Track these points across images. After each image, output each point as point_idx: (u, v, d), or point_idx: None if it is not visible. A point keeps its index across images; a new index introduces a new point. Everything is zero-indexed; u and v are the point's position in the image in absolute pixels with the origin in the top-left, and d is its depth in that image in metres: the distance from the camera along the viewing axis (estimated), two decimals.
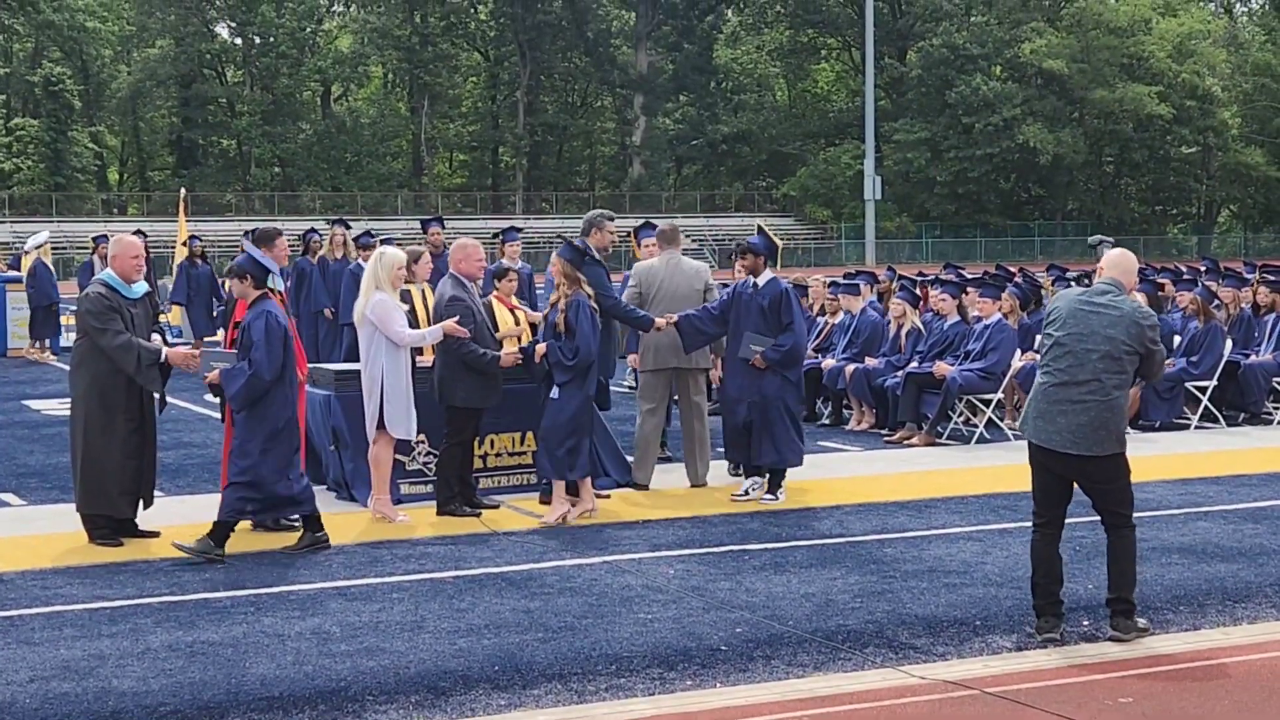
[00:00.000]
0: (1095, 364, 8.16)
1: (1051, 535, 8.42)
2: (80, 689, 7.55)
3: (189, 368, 11.07)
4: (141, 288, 11.09)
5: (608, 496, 12.52)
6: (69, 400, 11.29)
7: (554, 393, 11.48)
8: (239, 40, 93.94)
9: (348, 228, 22.05)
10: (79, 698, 7.42)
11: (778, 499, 12.45)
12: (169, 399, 11.29)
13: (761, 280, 12.52)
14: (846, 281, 18.85)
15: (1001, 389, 15.99)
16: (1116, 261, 8.51)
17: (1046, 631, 8.29)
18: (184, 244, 27.71)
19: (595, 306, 11.58)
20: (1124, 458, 8.34)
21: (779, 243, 13.20)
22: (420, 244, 17.41)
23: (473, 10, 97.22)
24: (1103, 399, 8.15)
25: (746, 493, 12.56)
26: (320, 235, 22.43)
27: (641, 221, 15.10)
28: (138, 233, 24.95)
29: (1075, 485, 8.45)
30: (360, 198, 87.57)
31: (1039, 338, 8.81)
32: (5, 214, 77.82)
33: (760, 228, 13.14)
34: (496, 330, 12.22)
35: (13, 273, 27.93)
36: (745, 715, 7.18)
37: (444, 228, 19.61)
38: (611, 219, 13.24)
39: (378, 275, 11.61)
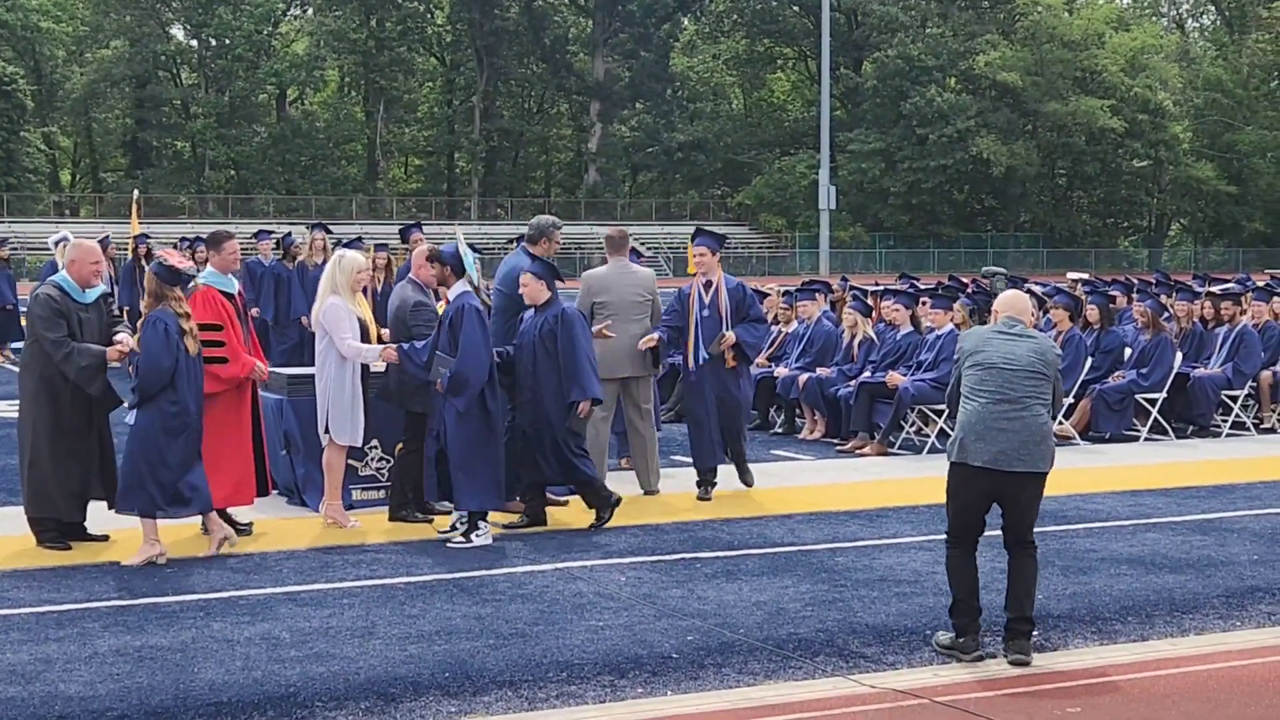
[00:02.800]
0: (1025, 384, 8.19)
1: (971, 552, 8.36)
2: (26, 693, 7.49)
3: (117, 359, 10.91)
4: (95, 292, 10.99)
5: (565, 503, 12.51)
6: (16, 401, 11.20)
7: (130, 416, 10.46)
8: (194, 42, 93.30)
9: (328, 232, 21.71)
10: (25, 702, 7.36)
11: (470, 540, 11.13)
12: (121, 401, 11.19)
13: (451, 294, 11.37)
14: (802, 289, 18.89)
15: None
16: (1011, 303, 8.60)
17: (974, 650, 8.18)
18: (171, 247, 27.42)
19: (186, 328, 10.40)
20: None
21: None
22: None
23: (429, 15, 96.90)
24: (1036, 416, 8.20)
25: (453, 528, 11.31)
26: (296, 239, 22.14)
27: (694, 229, 14.82)
28: (142, 236, 24.64)
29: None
30: (315, 201, 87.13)
31: (953, 369, 8.80)
32: None
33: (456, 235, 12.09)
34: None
35: None
36: None
37: (423, 233, 19.15)
38: (559, 227, 13.12)
39: (335, 279, 11.57)
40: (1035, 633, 8.52)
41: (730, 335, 13.11)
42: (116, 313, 12.22)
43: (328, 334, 11.41)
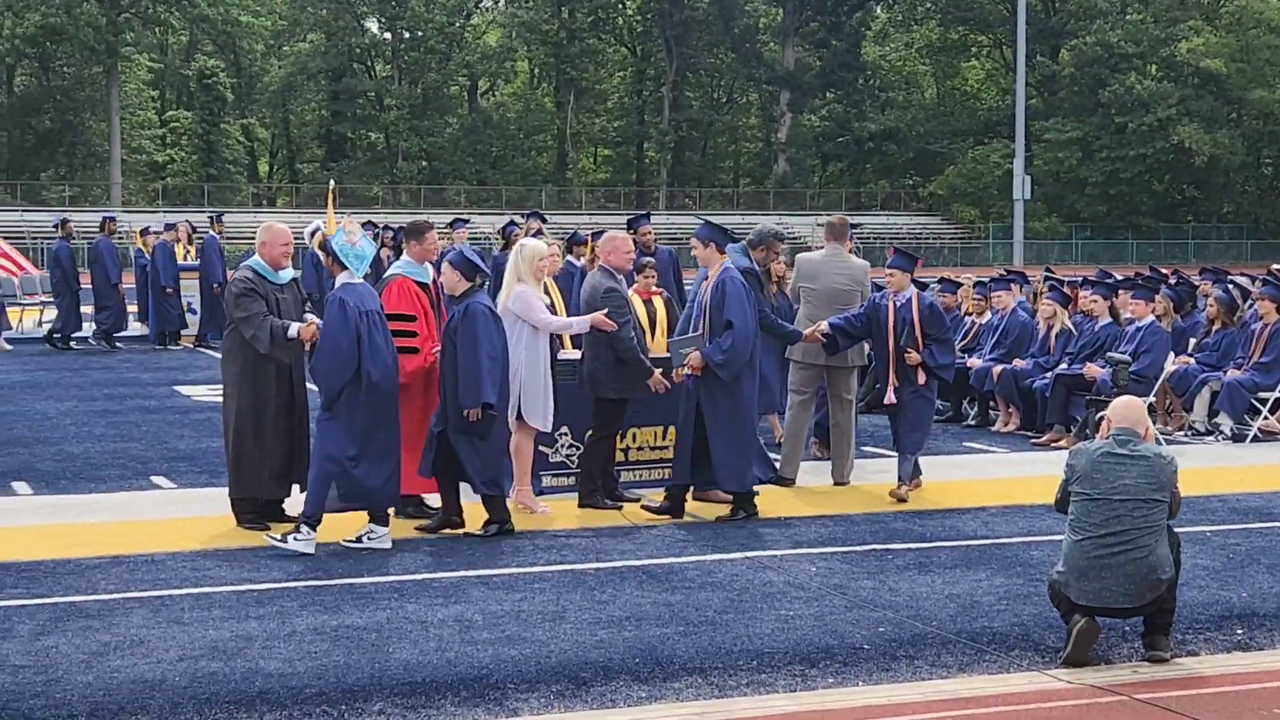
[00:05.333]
0: (1132, 515, 7.86)
1: None
2: (228, 669, 7.66)
3: (310, 338, 10.89)
4: (288, 274, 11.24)
5: (756, 493, 12.44)
6: (219, 386, 11.47)
7: None
8: (388, 35, 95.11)
9: (544, 221, 21.86)
10: (227, 677, 7.53)
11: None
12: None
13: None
14: (997, 280, 18.59)
15: (1154, 393, 15.67)
16: (1124, 413, 8.19)
17: (1082, 620, 7.89)
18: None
19: None
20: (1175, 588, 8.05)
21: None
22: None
23: (620, 5, 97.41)
24: (1142, 549, 7.84)
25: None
26: (516, 229, 22.48)
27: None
28: (368, 224, 25.05)
29: None
30: (505, 192, 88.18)
31: (1061, 482, 8.37)
32: (159, 204, 79.44)
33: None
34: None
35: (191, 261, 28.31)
36: (887, 715, 7.10)
37: (650, 223, 18.89)
38: (783, 239, 12.73)
39: (519, 268, 11.68)
40: (1241, 632, 8.24)
41: (695, 356, 11.50)
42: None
43: (518, 320, 11.49)
